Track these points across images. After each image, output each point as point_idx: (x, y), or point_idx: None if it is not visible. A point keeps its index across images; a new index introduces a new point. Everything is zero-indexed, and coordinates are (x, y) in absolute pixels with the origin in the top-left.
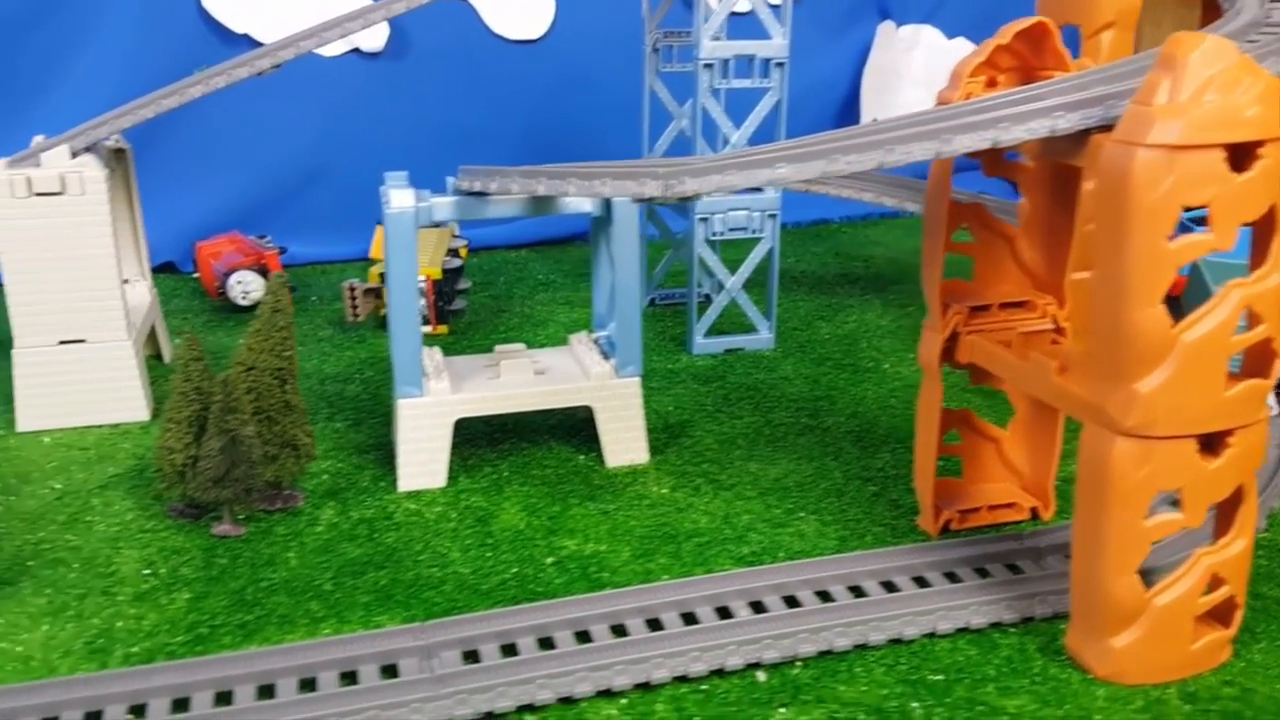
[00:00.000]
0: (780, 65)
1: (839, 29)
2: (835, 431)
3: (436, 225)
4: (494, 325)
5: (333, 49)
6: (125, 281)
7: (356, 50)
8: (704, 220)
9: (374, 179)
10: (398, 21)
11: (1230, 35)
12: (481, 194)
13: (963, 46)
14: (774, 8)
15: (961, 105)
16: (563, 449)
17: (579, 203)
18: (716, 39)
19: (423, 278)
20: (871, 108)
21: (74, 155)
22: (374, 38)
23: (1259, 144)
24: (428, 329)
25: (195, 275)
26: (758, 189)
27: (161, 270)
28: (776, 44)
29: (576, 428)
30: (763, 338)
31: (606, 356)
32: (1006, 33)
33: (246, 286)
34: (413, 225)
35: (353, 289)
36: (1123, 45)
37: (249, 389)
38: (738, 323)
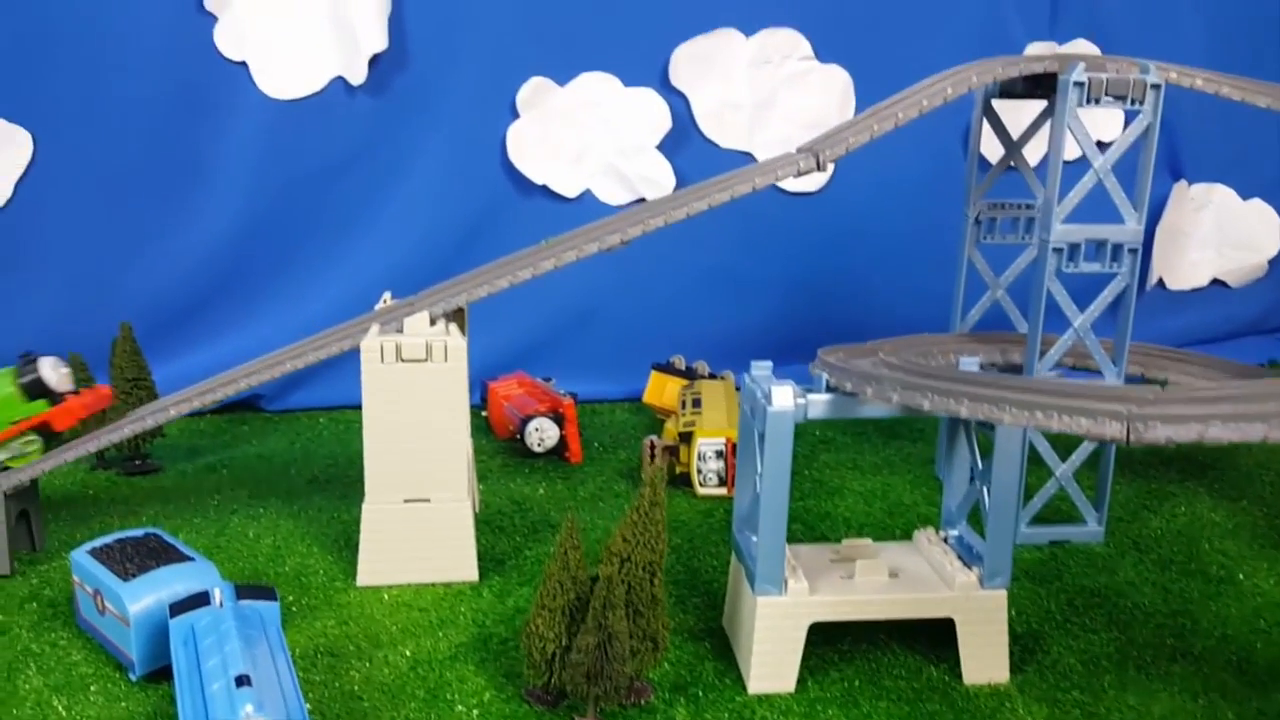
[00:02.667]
0: (1133, 251)
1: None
2: (1209, 660)
3: (714, 376)
4: None
5: (619, 197)
6: None
7: (642, 199)
8: None
9: (646, 320)
10: (681, 170)
11: None
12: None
13: (1259, 207)
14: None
15: None
16: (910, 657)
17: None
18: (1069, 222)
19: (722, 439)
20: (1159, 268)
21: (433, 322)
22: (661, 188)
23: None
24: (723, 491)
25: (483, 414)
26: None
27: None
28: (1131, 230)
29: (918, 631)
30: (1091, 530)
31: (966, 562)
32: None
33: (543, 434)
34: (792, 424)
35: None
36: None
37: (621, 581)
38: (1058, 509)
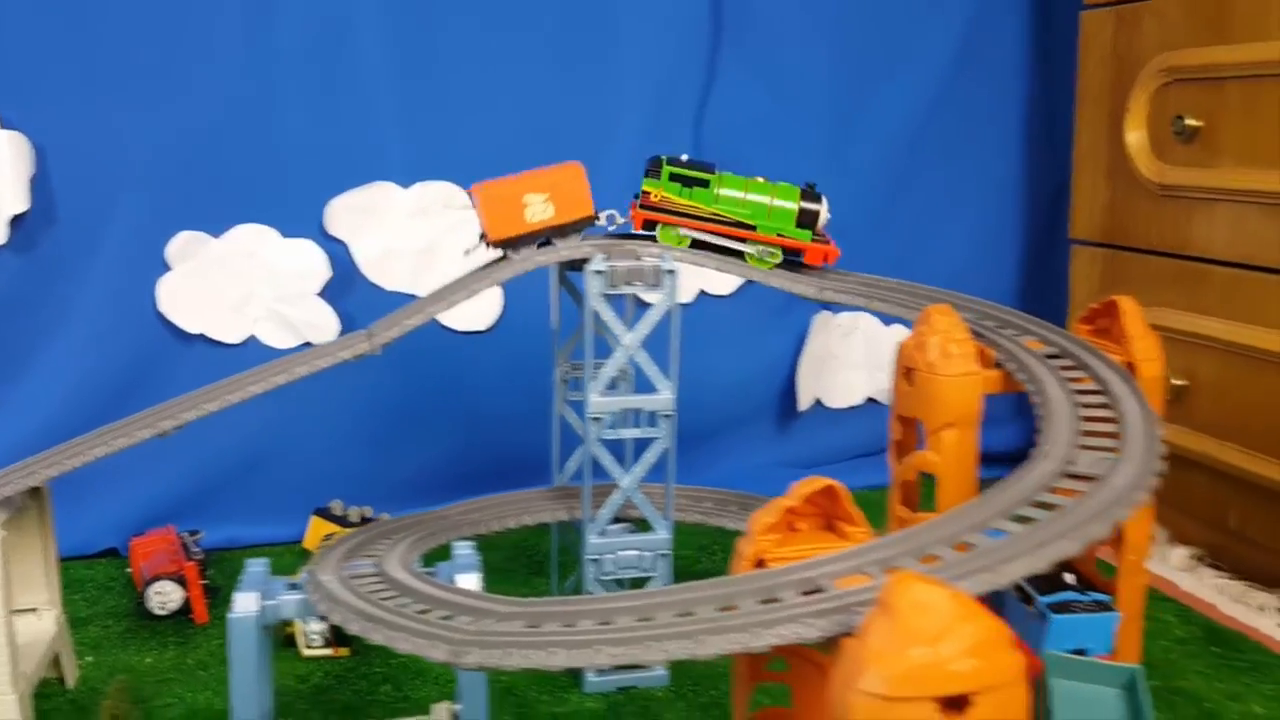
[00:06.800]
0: (668, 417)
1: (777, 316)
2: None
3: (366, 521)
4: None
5: (287, 342)
6: (33, 610)
7: (309, 344)
8: (595, 561)
9: (316, 463)
10: (348, 313)
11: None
12: None
13: (900, 333)
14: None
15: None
16: None
17: None
18: (603, 394)
19: None
20: (811, 389)
21: None
22: (326, 332)
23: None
24: (329, 651)
25: (127, 570)
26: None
27: (105, 555)
28: (663, 399)
29: None
30: (657, 674)
31: None
32: (797, 494)
33: (165, 598)
34: (255, 631)
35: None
36: (965, 443)
37: None
38: None
